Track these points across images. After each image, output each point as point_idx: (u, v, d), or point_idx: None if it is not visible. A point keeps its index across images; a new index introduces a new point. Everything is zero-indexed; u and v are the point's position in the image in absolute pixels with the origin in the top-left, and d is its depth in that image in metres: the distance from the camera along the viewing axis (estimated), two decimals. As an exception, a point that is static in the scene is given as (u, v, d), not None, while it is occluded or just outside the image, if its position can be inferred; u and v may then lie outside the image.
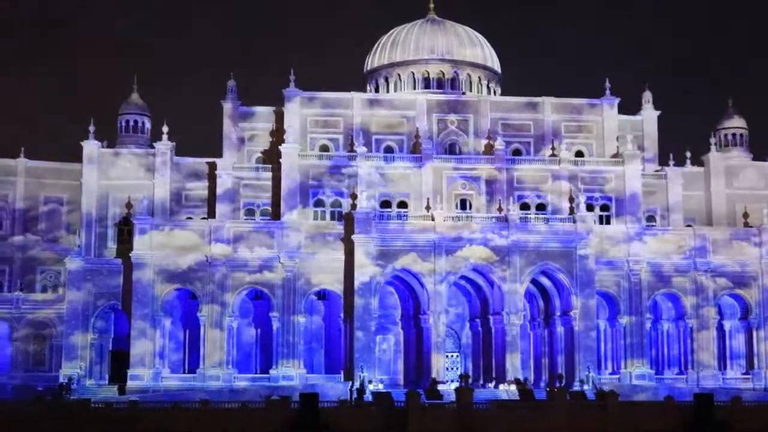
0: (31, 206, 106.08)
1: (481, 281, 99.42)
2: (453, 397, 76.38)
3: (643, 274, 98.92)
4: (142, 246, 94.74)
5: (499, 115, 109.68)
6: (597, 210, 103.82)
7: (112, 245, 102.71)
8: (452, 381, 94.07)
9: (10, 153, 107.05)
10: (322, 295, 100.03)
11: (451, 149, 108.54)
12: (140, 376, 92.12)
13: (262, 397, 76.19)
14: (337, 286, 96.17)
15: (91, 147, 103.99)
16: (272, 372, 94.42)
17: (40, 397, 78.33)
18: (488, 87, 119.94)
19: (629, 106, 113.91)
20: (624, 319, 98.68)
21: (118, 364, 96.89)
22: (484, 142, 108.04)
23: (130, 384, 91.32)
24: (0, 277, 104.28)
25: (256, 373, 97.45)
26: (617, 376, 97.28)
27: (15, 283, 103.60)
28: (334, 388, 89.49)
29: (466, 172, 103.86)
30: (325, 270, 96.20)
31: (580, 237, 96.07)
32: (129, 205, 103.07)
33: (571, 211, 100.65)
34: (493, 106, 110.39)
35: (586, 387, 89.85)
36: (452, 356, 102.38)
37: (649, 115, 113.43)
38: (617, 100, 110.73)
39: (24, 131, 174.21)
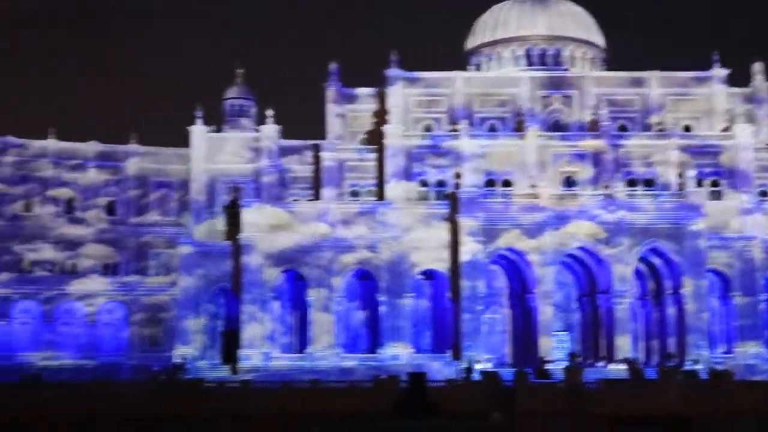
0: (144, 192, 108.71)
1: (588, 259, 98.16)
2: (561, 376, 75.67)
3: (756, 251, 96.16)
4: (249, 229, 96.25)
5: (603, 90, 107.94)
6: (707, 185, 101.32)
7: (220, 228, 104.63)
8: (560, 360, 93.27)
9: (120, 139, 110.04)
10: (429, 275, 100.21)
11: (555, 126, 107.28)
12: (251, 357, 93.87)
13: (370, 377, 76.82)
14: (442, 266, 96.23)
15: (198, 131, 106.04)
16: (380, 352, 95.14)
17: (155, 377, 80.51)
18: (591, 62, 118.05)
19: (739, 79, 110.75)
20: (737, 298, 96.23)
21: (230, 344, 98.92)
22: (589, 118, 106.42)
23: (242, 365, 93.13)
24: (116, 261, 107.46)
25: (363, 352, 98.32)
26: (731, 356, 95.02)
27: (130, 267, 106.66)
28: (441, 368, 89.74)
29: (572, 148, 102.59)
30: (430, 250, 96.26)
31: (690, 213, 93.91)
32: (236, 189, 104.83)
33: (681, 186, 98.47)
34: (597, 82, 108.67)
35: (698, 366, 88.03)
36: (560, 335, 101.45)
37: (760, 87, 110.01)
38: (726, 72, 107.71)
39: (132, 117, 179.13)
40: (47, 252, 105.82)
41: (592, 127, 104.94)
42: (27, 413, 62.93)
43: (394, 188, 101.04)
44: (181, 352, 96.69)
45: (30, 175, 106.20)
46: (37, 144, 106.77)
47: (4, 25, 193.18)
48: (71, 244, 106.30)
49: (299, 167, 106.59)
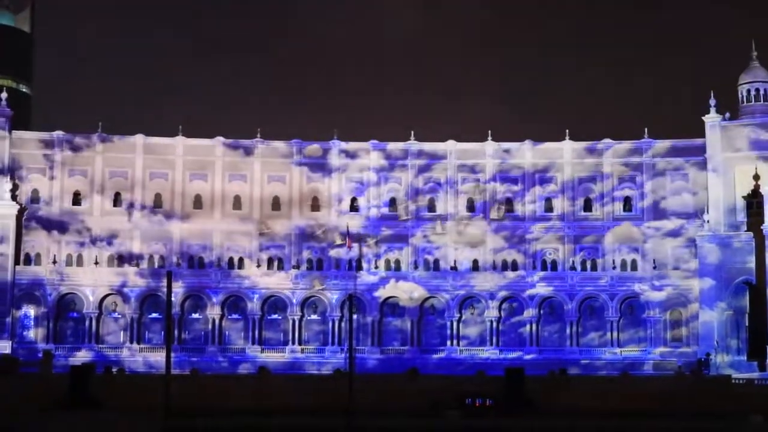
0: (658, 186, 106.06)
1: None
2: None
3: None
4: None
5: None
6: None
7: (741, 219, 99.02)
8: None
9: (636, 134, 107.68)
10: None
11: None
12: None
13: None
14: None
15: (712, 121, 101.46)
16: None
17: (680, 373, 79.41)
18: None
19: None
20: None
21: (755, 340, 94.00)
22: None
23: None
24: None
25: None
26: None
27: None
28: None
29: None
30: None
31: None
32: (756, 177, 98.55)
33: None
34: None
35: None
36: None
37: None
38: None
39: (647, 111, 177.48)
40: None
41: None
42: None
43: None
44: (703, 348, 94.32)
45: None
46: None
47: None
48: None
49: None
